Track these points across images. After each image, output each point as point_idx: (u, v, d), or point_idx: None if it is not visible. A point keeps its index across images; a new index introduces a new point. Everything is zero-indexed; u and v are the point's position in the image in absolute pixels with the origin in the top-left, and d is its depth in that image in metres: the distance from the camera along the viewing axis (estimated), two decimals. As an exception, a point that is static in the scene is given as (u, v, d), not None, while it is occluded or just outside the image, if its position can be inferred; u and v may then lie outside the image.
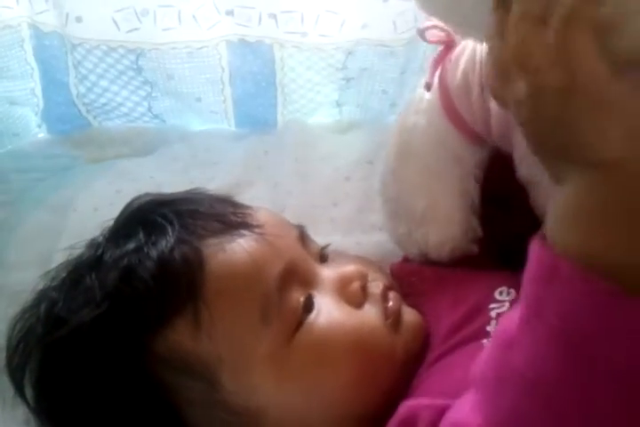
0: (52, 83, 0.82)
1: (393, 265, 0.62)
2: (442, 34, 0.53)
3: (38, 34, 0.78)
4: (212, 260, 0.47)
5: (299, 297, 0.48)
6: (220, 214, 0.51)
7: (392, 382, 0.47)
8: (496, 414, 0.33)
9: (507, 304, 0.49)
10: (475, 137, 0.54)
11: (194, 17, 0.75)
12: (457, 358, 0.46)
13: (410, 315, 0.51)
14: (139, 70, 0.79)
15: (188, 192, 0.57)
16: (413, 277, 0.57)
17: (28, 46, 0.80)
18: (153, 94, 0.82)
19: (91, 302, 0.46)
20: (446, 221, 0.56)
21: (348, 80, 0.81)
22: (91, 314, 0.46)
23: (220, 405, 0.46)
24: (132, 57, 0.78)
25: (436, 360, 0.47)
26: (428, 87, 0.54)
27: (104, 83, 0.80)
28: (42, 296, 0.51)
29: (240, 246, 0.48)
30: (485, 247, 0.57)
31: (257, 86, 0.81)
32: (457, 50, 0.53)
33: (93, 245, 0.52)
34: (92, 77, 0.80)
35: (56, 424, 0.48)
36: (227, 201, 0.55)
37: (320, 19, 0.75)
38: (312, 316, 0.47)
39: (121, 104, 0.83)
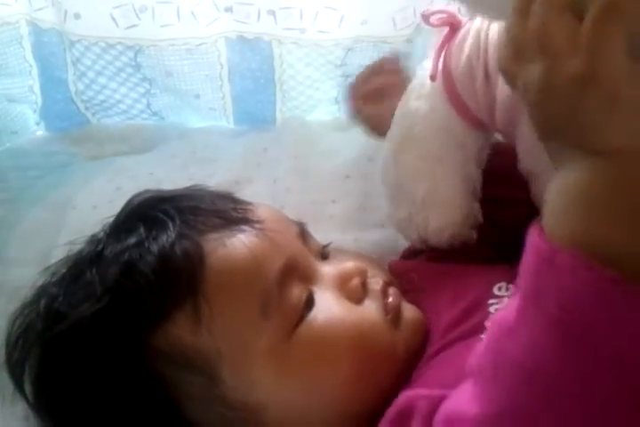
0: (51, 80, 0.82)
1: (391, 262, 0.62)
2: (446, 16, 0.52)
3: (37, 31, 0.78)
4: (213, 255, 0.47)
5: (299, 293, 0.48)
6: (221, 210, 0.51)
7: (392, 379, 0.47)
8: (492, 404, 0.33)
9: (505, 300, 0.49)
10: (478, 123, 0.54)
11: (192, 13, 0.75)
12: (456, 352, 0.46)
13: (410, 311, 0.51)
14: (137, 67, 0.80)
15: (188, 189, 0.57)
16: (412, 273, 0.57)
17: (27, 43, 0.80)
18: (152, 91, 0.82)
19: (91, 297, 0.46)
20: (447, 207, 0.55)
21: (347, 77, 0.81)
22: (91, 308, 0.46)
23: (220, 400, 0.46)
24: (131, 54, 0.78)
25: (436, 354, 0.47)
26: (433, 78, 0.54)
27: (103, 80, 0.80)
28: (42, 292, 0.51)
29: (240, 242, 0.48)
30: (485, 239, 0.57)
31: (256, 83, 0.81)
32: (461, 34, 0.53)
33: (94, 240, 0.52)
34: (91, 74, 0.80)
35: (55, 420, 0.48)
36: (227, 197, 0.55)
37: (319, 15, 0.75)
38: (312, 312, 0.47)
39: (120, 101, 0.83)
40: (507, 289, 0.50)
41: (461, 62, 0.52)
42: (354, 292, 0.50)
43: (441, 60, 0.53)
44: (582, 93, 0.29)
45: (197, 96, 0.82)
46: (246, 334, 0.46)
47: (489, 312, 0.49)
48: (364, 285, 0.51)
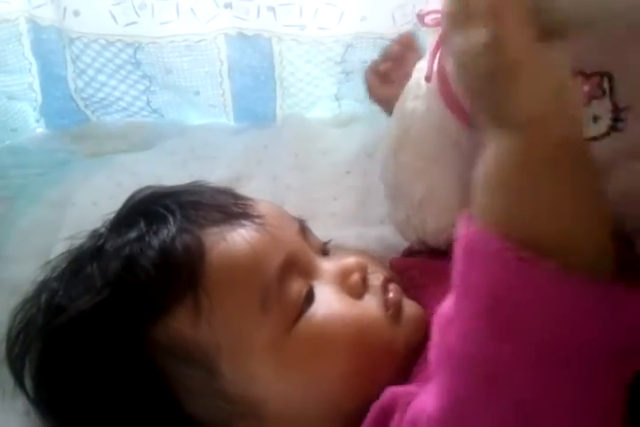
0: (50, 77, 0.82)
1: (392, 259, 0.62)
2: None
3: (36, 28, 0.78)
4: (213, 249, 0.47)
5: (299, 288, 0.48)
6: (222, 205, 0.51)
7: (392, 375, 0.47)
8: (444, 398, 0.33)
9: None
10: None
11: (192, 10, 0.75)
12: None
13: (411, 307, 0.51)
14: (137, 64, 0.79)
15: (189, 184, 0.57)
16: (413, 270, 0.57)
17: (26, 40, 0.79)
18: (151, 88, 0.82)
19: (91, 291, 0.47)
20: (444, 208, 0.55)
21: (347, 74, 0.81)
22: (91, 302, 0.46)
23: (219, 394, 0.46)
24: (131, 51, 0.78)
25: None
26: (428, 79, 0.54)
27: (102, 77, 0.80)
28: (42, 287, 0.51)
29: (241, 236, 0.48)
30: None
31: (256, 80, 0.81)
32: None
33: (95, 235, 0.53)
34: (90, 72, 0.79)
35: (56, 415, 0.48)
36: (228, 192, 0.55)
37: (319, 11, 0.75)
38: (312, 307, 0.47)
39: (119, 98, 0.82)
40: None
41: None
42: (354, 287, 0.50)
43: (436, 60, 0.54)
44: (488, 61, 0.30)
45: (197, 93, 0.82)
46: (246, 329, 0.46)
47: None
48: (364, 280, 0.51)
